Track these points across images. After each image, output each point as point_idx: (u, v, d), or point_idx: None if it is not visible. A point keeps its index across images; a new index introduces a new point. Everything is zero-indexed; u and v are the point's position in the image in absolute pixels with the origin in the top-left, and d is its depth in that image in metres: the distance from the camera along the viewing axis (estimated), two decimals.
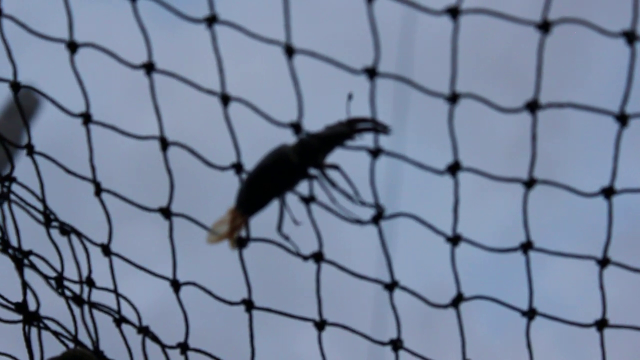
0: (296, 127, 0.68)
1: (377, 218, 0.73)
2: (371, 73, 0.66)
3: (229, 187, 0.75)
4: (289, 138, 0.72)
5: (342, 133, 0.74)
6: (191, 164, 0.75)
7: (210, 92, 0.69)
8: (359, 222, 0.74)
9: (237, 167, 0.72)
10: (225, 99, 0.69)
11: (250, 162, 0.74)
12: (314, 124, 0.72)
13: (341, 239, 0.76)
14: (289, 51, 0.66)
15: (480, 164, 0.71)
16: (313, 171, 0.74)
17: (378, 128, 0.72)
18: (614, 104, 0.67)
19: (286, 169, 0.73)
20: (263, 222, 0.80)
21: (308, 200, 0.73)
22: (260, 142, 0.75)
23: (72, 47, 0.73)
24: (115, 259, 0.82)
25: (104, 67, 0.74)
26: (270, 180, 0.74)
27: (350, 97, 0.74)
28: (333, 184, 0.74)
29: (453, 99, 0.67)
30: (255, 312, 0.80)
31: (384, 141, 0.72)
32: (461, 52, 0.66)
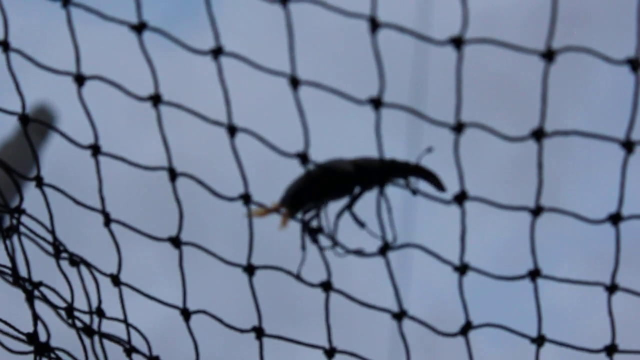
0: (303, 157, 0.68)
1: (384, 250, 0.73)
2: (376, 103, 0.66)
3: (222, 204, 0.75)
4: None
5: (403, 168, 0.75)
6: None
7: (217, 123, 0.70)
8: (363, 254, 0.74)
9: (245, 198, 0.72)
10: (232, 130, 0.69)
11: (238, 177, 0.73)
12: (314, 145, 0.72)
13: (356, 262, 0.76)
14: (294, 83, 0.66)
15: (477, 183, 0.71)
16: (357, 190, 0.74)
17: (436, 184, 0.74)
18: (609, 118, 0.67)
19: (340, 179, 0.74)
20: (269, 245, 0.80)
21: (316, 231, 0.74)
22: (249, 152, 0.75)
23: (80, 80, 0.74)
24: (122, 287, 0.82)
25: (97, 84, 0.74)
26: (320, 185, 0.74)
27: (429, 150, 0.75)
28: (389, 208, 0.74)
29: (458, 128, 0.67)
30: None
31: None
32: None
